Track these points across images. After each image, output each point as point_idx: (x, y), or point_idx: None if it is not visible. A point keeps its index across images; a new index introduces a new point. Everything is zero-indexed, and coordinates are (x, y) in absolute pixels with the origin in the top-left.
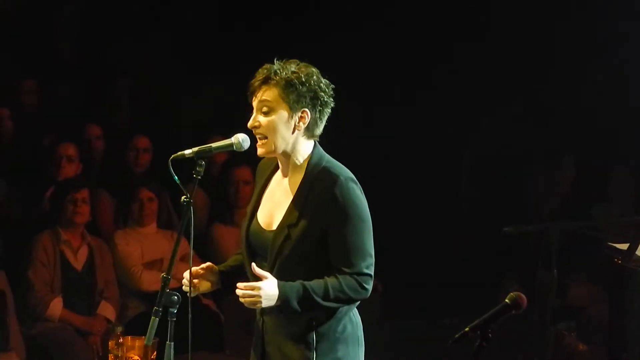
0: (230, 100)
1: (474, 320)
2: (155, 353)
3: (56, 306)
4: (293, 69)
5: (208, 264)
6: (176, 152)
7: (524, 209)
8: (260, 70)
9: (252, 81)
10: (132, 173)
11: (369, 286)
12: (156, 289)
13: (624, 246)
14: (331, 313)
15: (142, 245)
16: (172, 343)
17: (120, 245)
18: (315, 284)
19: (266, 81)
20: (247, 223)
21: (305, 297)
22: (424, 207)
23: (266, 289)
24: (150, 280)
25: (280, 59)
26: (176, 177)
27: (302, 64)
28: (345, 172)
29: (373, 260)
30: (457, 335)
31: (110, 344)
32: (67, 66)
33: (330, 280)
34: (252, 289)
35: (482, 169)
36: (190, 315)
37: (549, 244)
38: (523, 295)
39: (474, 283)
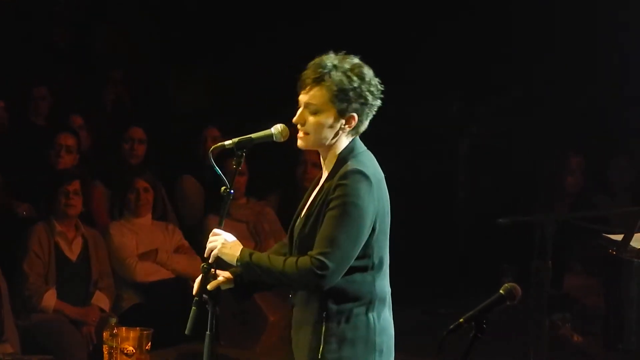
0: (225, 91)
1: (469, 311)
2: (149, 344)
3: (50, 297)
4: (347, 72)
5: (223, 278)
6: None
7: (521, 198)
8: (313, 64)
9: (304, 74)
10: (127, 164)
11: (322, 272)
12: (150, 280)
13: (618, 237)
14: (343, 311)
15: (137, 236)
16: (210, 333)
17: (115, 236)
18: (275, 256)
19: (319, 81)
20: (292, 222)
21: (257, 258)
22: (420, 197)
23: (228, 237)
24: (145, 272)
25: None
26: (217, 168)
27: (355, 64)
28: (360, 164)
29: (337, 252)
30: (451, 327)
31: (105, 334)
32: (61, 56)
33: (290, 257)
34: (212, 235)
35: (478, 158)
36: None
37: (544, 235)
38: (517, 286)
39: (469, 273)
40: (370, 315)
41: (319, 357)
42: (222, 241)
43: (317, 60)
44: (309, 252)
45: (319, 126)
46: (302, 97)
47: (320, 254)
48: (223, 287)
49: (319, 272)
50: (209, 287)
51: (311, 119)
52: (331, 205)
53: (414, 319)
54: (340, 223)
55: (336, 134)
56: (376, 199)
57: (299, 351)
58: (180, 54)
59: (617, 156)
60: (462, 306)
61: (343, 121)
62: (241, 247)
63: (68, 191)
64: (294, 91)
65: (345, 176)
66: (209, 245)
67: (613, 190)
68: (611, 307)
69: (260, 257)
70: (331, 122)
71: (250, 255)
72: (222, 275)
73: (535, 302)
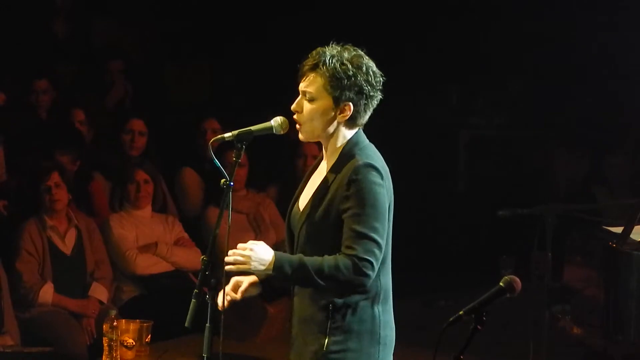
0: (225, 83)
1: (469, 303)
2: (149, 336)
3: (47, 292)
4: (343, 61)
5: (251, 280)
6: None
7: (521, 190)
8: (313, 53)
9: (304, 63)
10: (128, 156)
11: (369, 271)
12: (150, 273)
13: (618, 229)
14: (349, 304)
15: (137, 229)
16: (210, 325)
17: (115, 228)
18: (311, 259)
19: (314, 68)
20: (290, 207)
21: (299, 268)
22: (419, 189)
23: (258, 250)
24: (145, 264)
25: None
26: (217, 161)
27: (355, 54)
28: (368, 157)
29: (376, 247)
30: (451, 319)
31: (105, 327)
32: (62, 48)
33: (327, 258)
34: (244, 249)
35: (478, 149)
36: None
37: (544, 227)
38: (517, 279)
39: (469, 265)
40: (375, 308)
41: (324, 349)
42: (255, 258)
43: (318, 49)
44: (348, 252)
45: (312, 114)
46: (301, 85)
47: (367, 253)
48: (250, 294)
49: (369, 272)
50: (238, 296)
51: (306, 106)
52: (351, 203)
53: (413, 311)
54: (370, 219)
55: (332, 124)
56: (387, 191)
57: (303, 342)
58: (180, 46)
59: (612, 153)
60: (462, 298)
61: (338, 110)
62: (272, 257)
63: (49, 186)
64: (294, 83)
65: (357, 171)
66: (238, 260)
67: (610, 185)
68: (611, 300)
69: (301, 261)
70: (325, 110)
71: (286, 264)
72: (248, 280)
73: (535, 294)
